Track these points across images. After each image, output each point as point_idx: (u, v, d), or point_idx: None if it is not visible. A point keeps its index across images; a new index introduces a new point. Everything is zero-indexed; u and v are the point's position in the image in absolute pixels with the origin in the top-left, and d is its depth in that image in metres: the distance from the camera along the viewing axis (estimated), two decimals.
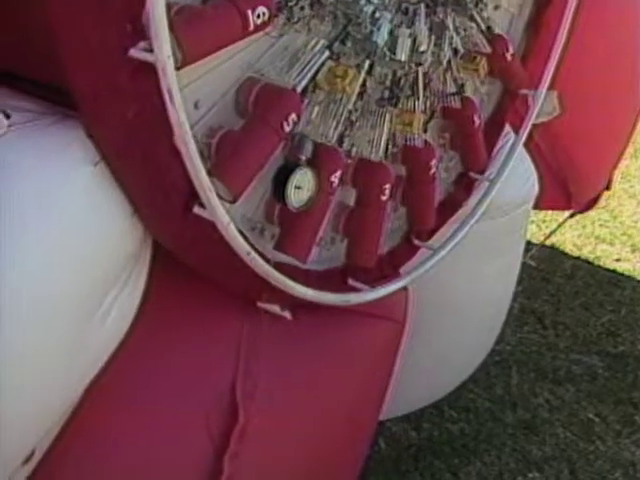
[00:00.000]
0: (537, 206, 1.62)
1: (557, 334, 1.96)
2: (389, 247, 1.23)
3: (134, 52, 0.65)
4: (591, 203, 1.96)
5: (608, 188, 1.95)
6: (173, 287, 0.92)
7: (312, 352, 1.05)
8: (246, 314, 1.01)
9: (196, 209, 0.78)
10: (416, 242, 1.25)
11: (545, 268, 2.13)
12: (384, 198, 1.07)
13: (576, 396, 1.84)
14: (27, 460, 0.81)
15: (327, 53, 0.91)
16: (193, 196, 0.78)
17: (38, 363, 0.75)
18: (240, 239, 0.78)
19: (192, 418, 0.92)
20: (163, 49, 0.62)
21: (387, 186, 1.07)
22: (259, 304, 1.01)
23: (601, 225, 2.29)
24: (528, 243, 1.84)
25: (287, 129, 0.84)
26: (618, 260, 2.20)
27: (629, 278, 2.14)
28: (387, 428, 1.81)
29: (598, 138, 1.75)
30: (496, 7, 1.27)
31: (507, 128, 1.42)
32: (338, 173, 0.96)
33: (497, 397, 1.87)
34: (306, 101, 0.89)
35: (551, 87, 1.42)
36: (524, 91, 1.36)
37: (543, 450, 1.79)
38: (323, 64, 0.92)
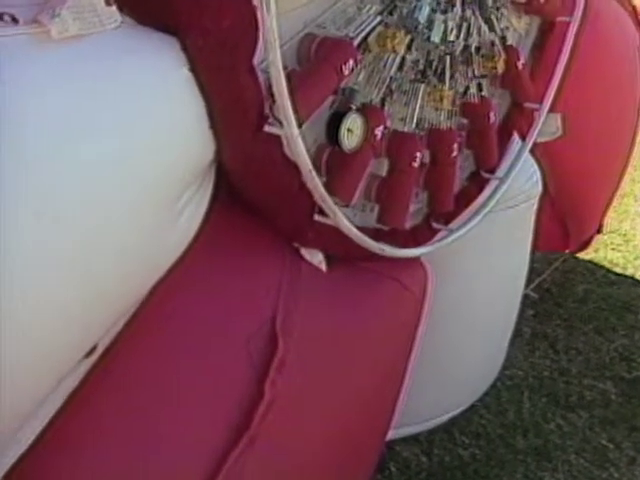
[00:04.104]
0: (535, 247, 1.81)
1: (569, 359, 2.10)
2: (411, 225, 1.40)
3: None
4: (584, 245, 2.16)
5: (599, 231, 2.15)
6: (228, 219, 1.08)
7: (343, 304, 1.20)
8: (288, 261, 1.16)
9: (267, 127, 0.95)
10: (435, 225, 1.42)
11: (557, 292, 2.29)
12: (415, 165, 1.25)
13: (589, 422, 1.95)
14: (89, 354, 0.94)
15: (379, 18, 1.11)
16: (263, 117, 0.96)
17: (111, 255, 0.88)
18: (305, 154, 0.94)
19: (235, 344, 1.05)
20: None
21: (418, 154, 1.25)
22: (301, 250, 1.17)
23: (613, 249, 2.47)
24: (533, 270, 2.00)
25: (345, 72, 1.03)
26: (631, 284, 2.36)
27: None
28: (397, 453, 1.90)
29: (598, 175, 1.97)
30: (507, 27, 1.50)
31: None
32: (381, 127, 1.15)
33: (509, 422, 1.98)
34: (360, 56, 1.08)
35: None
36: (530, 105, 1.56)
37: (556, 477, 1.88)
38: (374, 28, 1.12)
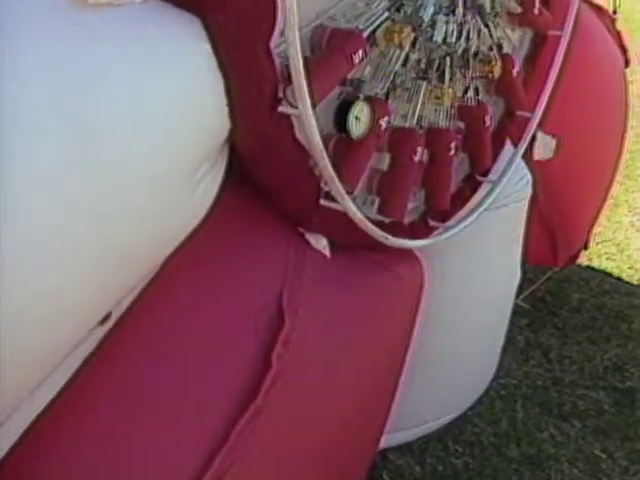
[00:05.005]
0: (525, 259, 1.89)
1: (563, 368, 2.16)
2: (409, 221, 1.47)
3: None
4: (571, 259, 2.25)
5: (586, 247, 2.24)
6: (238, 203, 1.15)
7: (345, 288, 1.28)
8: (293, 245, 1.23)
9: (281, 108, 1.02)
10: (432, 223, 1.50)
11: (551, 302, 2.36)
12: (415, 159, 1.33)
13: (582, 432, 2.01)
14: (104, 321, 1.00)
15: (387, 14, 1.20)
16: (277, 99, 1.03)
17: (129, 221, 0.94)
18: (317, 133, 1.01)
19: (244, 318, 1.12)
20: None
21: (419, 149, 1.33)
22: (306, 235, 1.23)
23: (608, 259, 2.56)
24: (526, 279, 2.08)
25: (355, 61, 1.11)
26: (625, 294, 2.44)
27: (636, 312, 2.37)
28: (391, 462, 1.94)
29: (585, 185, 2.07)
30: (502, 37, 1.59)
31: None
32: (386, 119, 1.22)
33: (502, 432, 2.03)
34: (368, 47, 1.16)
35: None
36: (522, 113, 1.65)
37: None
38: (382, 23, 1.21)
